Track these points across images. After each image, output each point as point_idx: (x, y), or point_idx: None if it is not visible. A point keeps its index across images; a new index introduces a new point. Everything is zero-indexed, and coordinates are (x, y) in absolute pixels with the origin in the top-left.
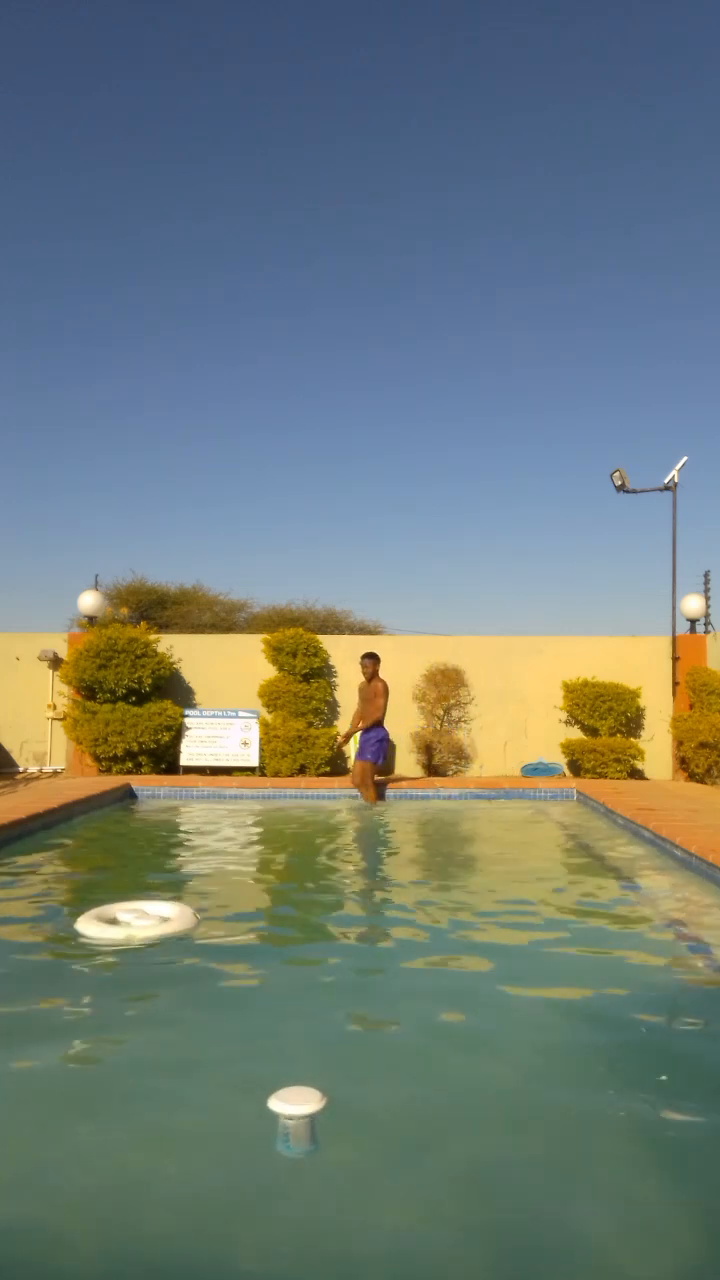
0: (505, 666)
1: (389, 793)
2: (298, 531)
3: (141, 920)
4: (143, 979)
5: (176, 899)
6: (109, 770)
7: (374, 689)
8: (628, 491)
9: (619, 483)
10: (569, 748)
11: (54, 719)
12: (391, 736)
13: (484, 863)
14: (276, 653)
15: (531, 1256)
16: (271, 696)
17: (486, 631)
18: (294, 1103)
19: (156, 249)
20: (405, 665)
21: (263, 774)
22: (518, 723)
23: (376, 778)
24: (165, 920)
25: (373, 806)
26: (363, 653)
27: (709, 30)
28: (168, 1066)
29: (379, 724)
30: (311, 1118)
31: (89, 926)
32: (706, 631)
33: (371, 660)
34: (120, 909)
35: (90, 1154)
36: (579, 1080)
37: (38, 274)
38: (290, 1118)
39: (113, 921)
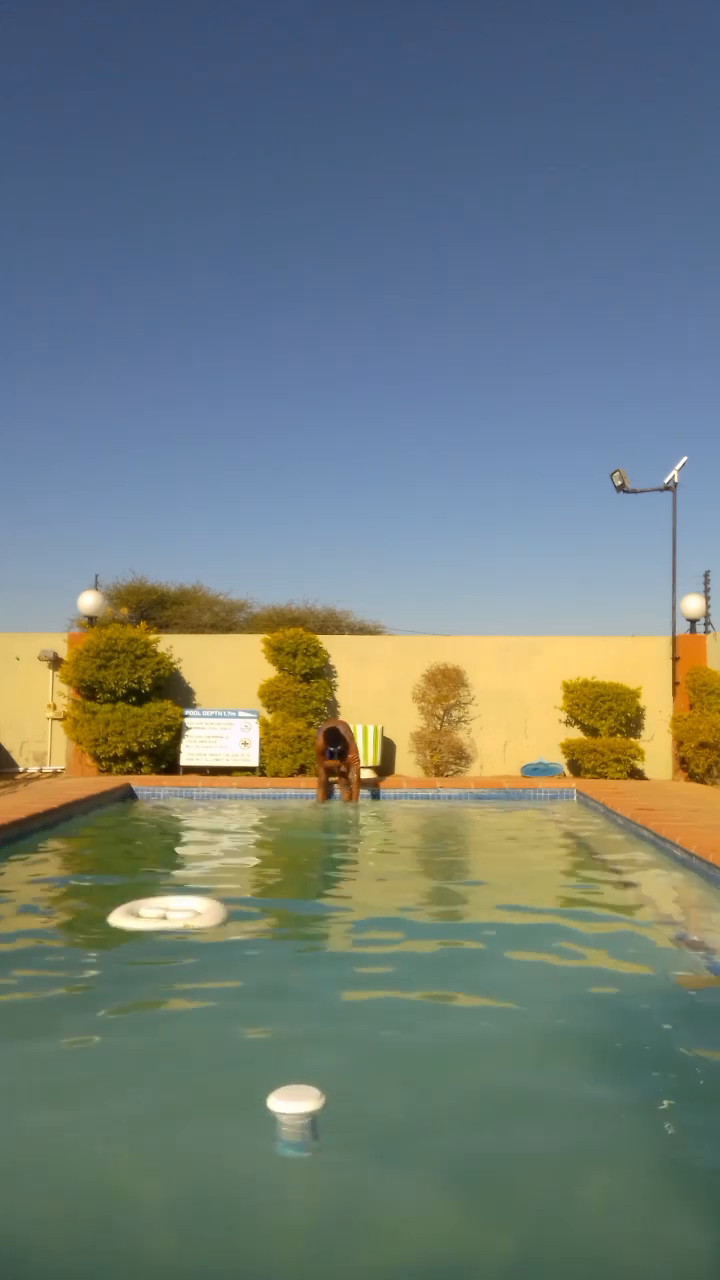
0: (505, 666)
1: (390, 793)
2: (298, 531)
3: (176, 914)
4: (172, 970)
5: (201, 895)
6: (109, 770)
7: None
8: (628, 491)
9: (619, 483)
10: (569, 748)
11: (54, 719)
12: (392, 736)
13: (484, 863)
14: (276, 653)
15: (530, 1259)
16: (271, 696)
17: (486, 631)
18: (293, 1101)
19: (157, 247)
20: (405, 665)
21: (263, 774)
22: (518, 723)
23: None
24: (198, 914)
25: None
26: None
27: (706, 30)
28: (187, 1054)
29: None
30: (311, 1117)
31: (123, 920)
32: (706, 631)
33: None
34: (150, 904)
35: (103, 1144)
36: (577, 1081)
37: (38, 272)
38: (289, 1117)
39: (149, 916)
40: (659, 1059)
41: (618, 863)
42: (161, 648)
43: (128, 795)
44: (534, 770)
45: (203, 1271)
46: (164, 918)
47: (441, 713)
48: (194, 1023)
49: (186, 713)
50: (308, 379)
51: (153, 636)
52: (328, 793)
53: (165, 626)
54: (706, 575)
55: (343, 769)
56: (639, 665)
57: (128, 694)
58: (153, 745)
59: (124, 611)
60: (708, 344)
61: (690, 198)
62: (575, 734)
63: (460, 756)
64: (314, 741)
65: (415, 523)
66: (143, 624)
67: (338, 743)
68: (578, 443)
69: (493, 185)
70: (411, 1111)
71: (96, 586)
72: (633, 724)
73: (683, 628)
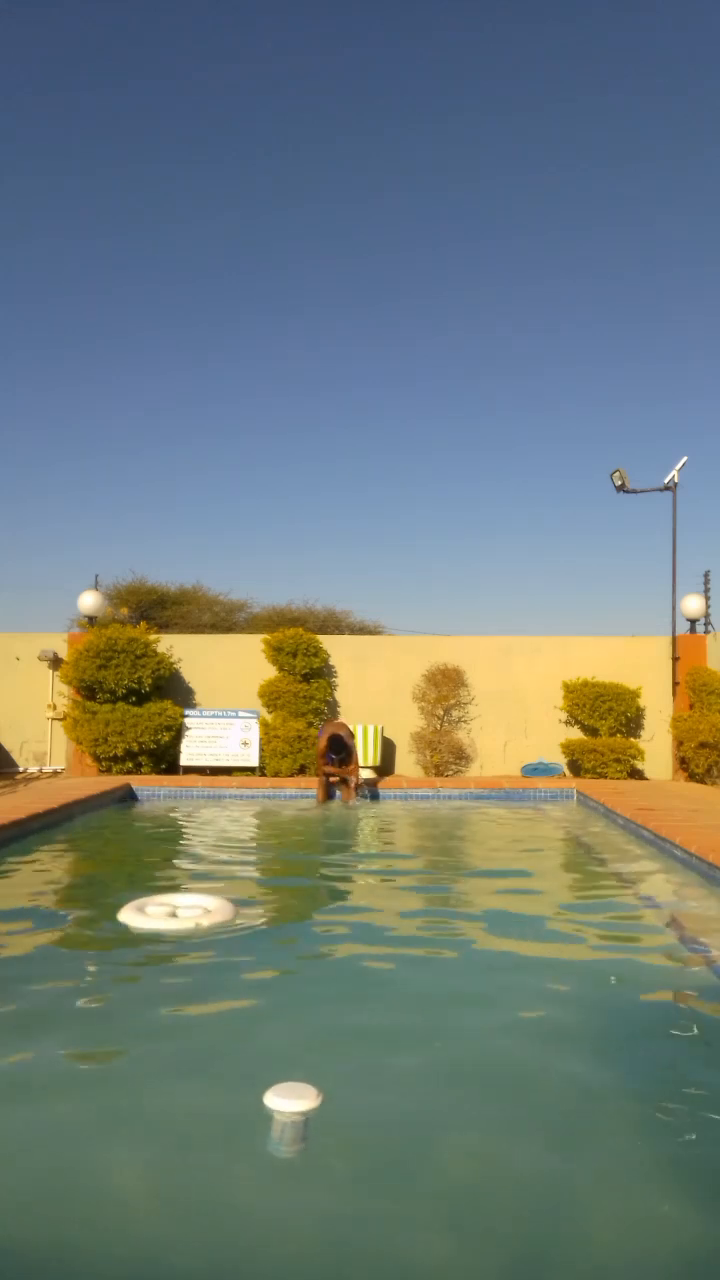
0: (505, 666)
1: (390, 793)
2: (298, 531)
3: (186, 911)
4: (182, 967)
5: (210, 893)
6: (109, 770)
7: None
8: (628, 491)
9: (619, 483)
10: (569, 748)
11: (54, 719)
12: (392, 736)
13: (484, 863)
14: (276, 653)
15: (528, 1261)
16: (271, 696)
17: (486, 631)
18: (289, 1098)
19: (157, 247)
20: (405, 665)
21: (263, 774)
22: (518, 723)
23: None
24: (208, 912)
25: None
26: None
27: (706, 30)
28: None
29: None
30: (306, 1116)
31: (132, 918)
32: (706, 631)
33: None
34: (159, 901)
35: (105, 1140)
36: (577, 1082)
37: (38, 272)
38: (286, 1115)
39: (158, 914)
40: (658, 1059)
41: (617, 863)
42: (161, 648)
43: (128, 795)
44: (534, 770)
45: (197, 1267)
46: (173, 915)
47: (441, 713)
48: (203, 1018)
49: (186, 713)
50: (308, 379)
51: (153, 636)
52: (328, 793)
53: (165, 626)
54: (706, 575)
55: (343, 771)
56: (639, 665)
57: (128, 694)
58: (153, 745)
59: (124, 611)
60: (708, 344)
61: (690, 198)
62: (575, 734)
63: (460, 756)
64: (314, 741)
65: (415, 523)
66: (143, 624)
67: (341, 750)
68: (578, 443)
69: (493, 185)
70: (412, 1109)
71: (96, 586)
72: (633, 724)
73: (683, 628)
